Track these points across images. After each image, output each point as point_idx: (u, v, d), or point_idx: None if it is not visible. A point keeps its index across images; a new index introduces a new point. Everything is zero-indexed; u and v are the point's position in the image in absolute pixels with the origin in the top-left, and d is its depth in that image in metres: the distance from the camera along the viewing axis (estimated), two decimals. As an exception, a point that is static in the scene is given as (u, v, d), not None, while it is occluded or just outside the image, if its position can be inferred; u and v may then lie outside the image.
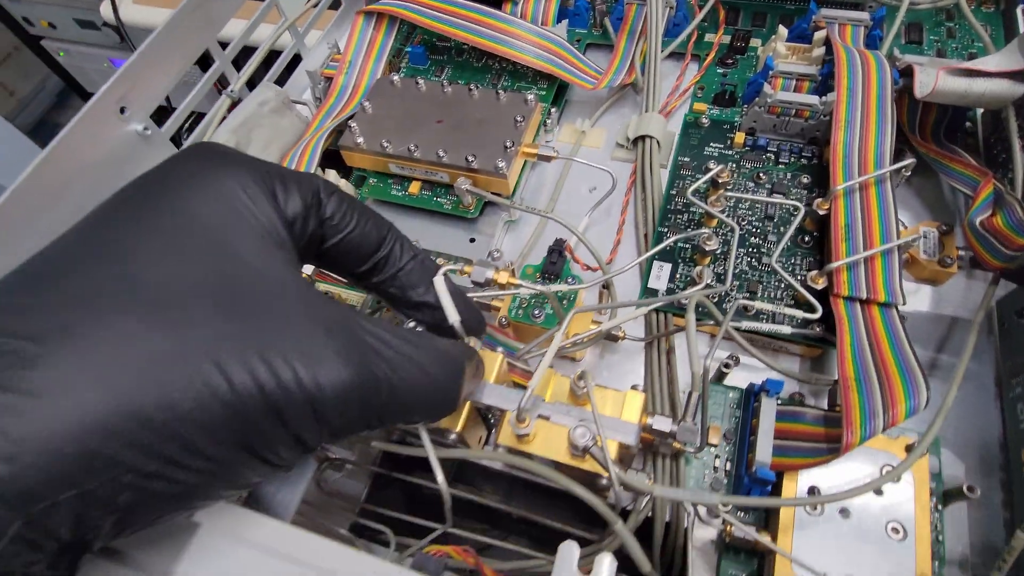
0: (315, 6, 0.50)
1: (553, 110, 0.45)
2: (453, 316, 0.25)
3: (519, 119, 0.39)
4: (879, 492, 0.28)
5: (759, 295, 0.35)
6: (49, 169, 0.33)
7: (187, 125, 0.46)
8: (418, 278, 0.25)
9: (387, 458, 0.35)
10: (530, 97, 0.40)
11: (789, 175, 0.39)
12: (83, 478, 0.14)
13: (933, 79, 0.35)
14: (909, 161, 0.34)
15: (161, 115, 0.39)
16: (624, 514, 0.30)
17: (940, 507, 0.29)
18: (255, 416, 0.16)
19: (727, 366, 0.34)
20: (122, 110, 0.36)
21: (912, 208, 0.40)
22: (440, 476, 0.24)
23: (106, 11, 0.98)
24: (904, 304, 0.32)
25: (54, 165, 0.33)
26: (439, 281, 0.26)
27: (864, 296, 0.32)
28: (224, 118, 0.42)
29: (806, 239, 0.37)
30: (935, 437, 0.28)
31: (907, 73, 0.39)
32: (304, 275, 0.38)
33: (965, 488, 0.28)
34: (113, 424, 0.14)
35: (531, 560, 0.31)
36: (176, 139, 0.41)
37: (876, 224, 0.34)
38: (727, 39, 0.48)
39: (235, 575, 0.20)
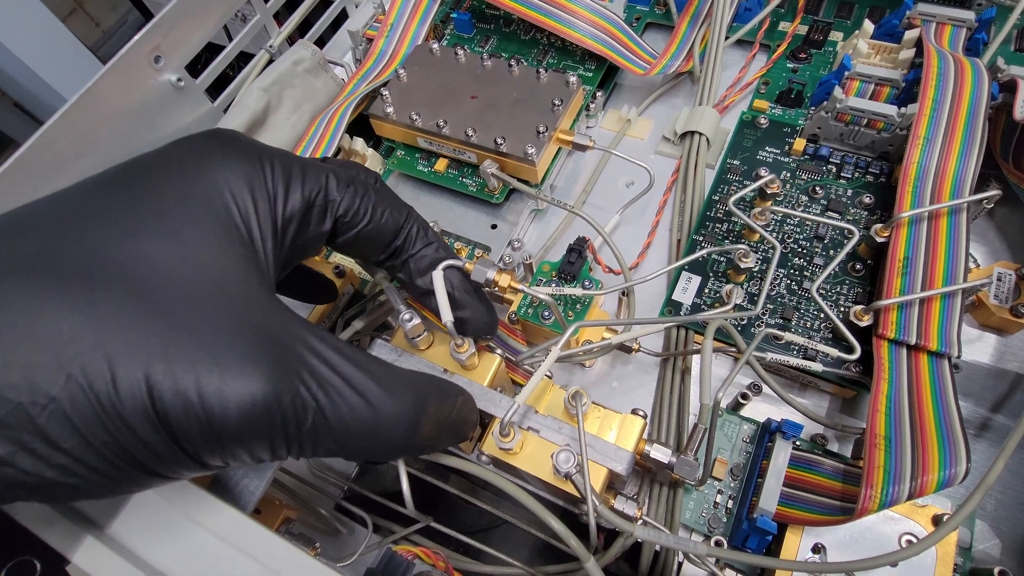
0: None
1: (599, 94, 0.42)
2: (446, 316, 0.24)
3: (557, 103, 0.37)
4: (893, 564, 0.25)
5: (793, 324, 0.32)
6: (79, 115, 0.33)
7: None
8: (427, 266, 0.25)
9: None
10: (572, 79, 0.37)
11: (849, 192, 0.35)
12: None
13: (1038, 99, 0.30)
14: (993, 192, 0.30)
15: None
16: (614, 535, 0.29)
17: (964, 586, 0.26)
18: (138, 425, 0.14)
19: (745, 396, 0.32)
20: (156, 59, 0.36)
21: (990, 243, 0.36)
22: (404, 479, 0.23)
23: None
24: (960, 356, 0.28)
25: (84, 112, 0.33)
26: (437, 276, 0.24)
27: (913, 341, 0.28)
28: (260, 74, 0.42)
29: (857, 267, 0.33)
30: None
31: (1009, 88, 0.34)
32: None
33: (997, 572, 0.25)
34: None
35: (508, 568, 0.31)
36: (213, 90, 0.41)
37: (941, 261, 0.30)
38: (804, 30, 0.43)
39: (189, 558, 0.20)
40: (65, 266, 0.15)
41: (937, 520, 0.26)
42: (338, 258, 0.37)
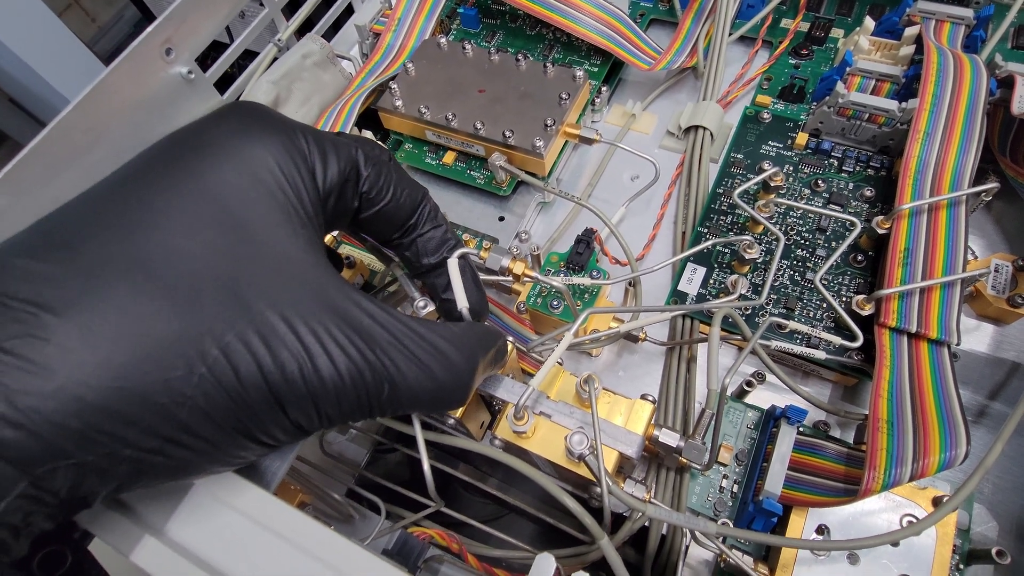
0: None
1: (604, 88, 0.43)
2: (462, 302, 0.24)
3: (564, 96, 0.37)
4: (895, 543, 0.26)
5: (797, 313, 0.33)
6: (91, 107, 0.33)
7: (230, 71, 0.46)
8: (434, 247, 0.25)
9: (389, 428, 0.35)
10: (579, 74, 0.38)
11: (851, 186, 0.36)
12: (84, 450, 0.15)
13: (1035, 94, 0.31)
14: (991, 185, 0.31)
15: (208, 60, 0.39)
16: (620, 520, 0.29)
17: (962, 566, 0.27)
18: (257, 405, 0.17)
19: (750, 384, 0.32)
20: (168, 51, 0.36)
21: (988, 236, 0.36)
22: (425, 461, 0.23)
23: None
24: (959, 344, 0.29)
25: (96, 104, 0.34)
26: (452, 263, 0.25)
27: (914, 329, 0.29)
28: (270, 67, 0.42)
29: (859, 258, 0.34)
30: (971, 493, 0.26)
31: (1007, 84, 0.34)
32: (329, 238, 0.37)
33: (994, 552, 0.26)
34: (115, 404, 0.15)
35: (517, 551, 0.31)
36: (220, 85, 0.41)
37: (941, 252, 0.30)
38: (805, 26, 0.44)
39: (218, 537, 0.20)
40: (156, 267, 0.16)
41: (937, 502, 0.27)
42: (348, 249, 0.38)
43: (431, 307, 0.26)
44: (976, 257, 0.35)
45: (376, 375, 0.18)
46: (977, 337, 0.34)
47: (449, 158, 0.40)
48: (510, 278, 0.27)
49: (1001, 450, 0.26)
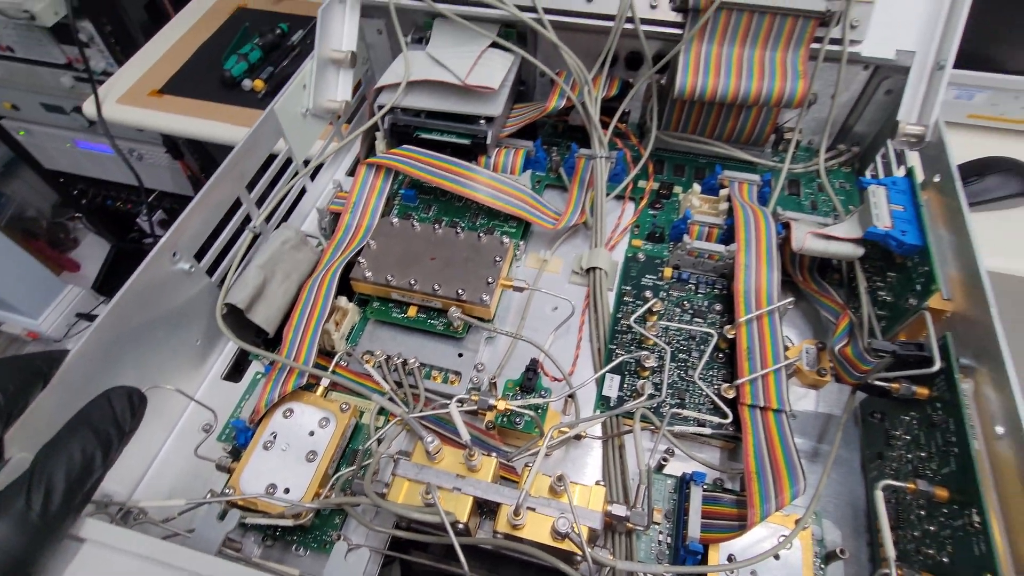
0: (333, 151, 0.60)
1: (522, 243, 0.56)
2: (465, 436, 0.34)
3: (497, 259, 0.49)
4: (777, 557, 0.38)
5: (687, 402, 0.45)
6: (125, 300, 0.40)
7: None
8: None
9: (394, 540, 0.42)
10: (505, 240, 0.51)
11: (707, 303, 0.51)
12: None
13: (803, 239, 0.48)
14: (788, 300, 0.47)
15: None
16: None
17: (823, 566, 0.39)
18: None
19: (665, 459, 0.44)
20: (174, 255, 0.44)
21: (798, 327, 0.53)
22: (464, 565, 0.32)
23: (89, 108, 1.04)
24: (791, 410, 0.43)
25: (127, 302, 0.41)
26: (454, 408, 0.34)
27: (762, 404, 0.43)
28: (247, 249, 0.50)
29: (720, 356, 0.48)
30: (815, 511, 0.39)
31: (788, 226, 0.52)
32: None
33: (839, 551, 0.39)
34: None
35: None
36: (211, 271, 0.49)
37: (769, 347, 0.45)
38: (656, 186, 0.61)
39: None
40: None
41: (797, 522, 0.39)
42: (338, 398, 0.45)
43: (438, 441, 0.35)
44: (793, 344, 0.50)
45: None
46: (807, 401, 0.49)
47: (412, 311, 0.50)
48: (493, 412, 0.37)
49: (830, 477, 0.39)
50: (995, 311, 0.37)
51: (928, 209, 0.44)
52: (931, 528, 0.36)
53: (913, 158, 0.51)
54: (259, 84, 0.96)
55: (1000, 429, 0.34)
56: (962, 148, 0.71)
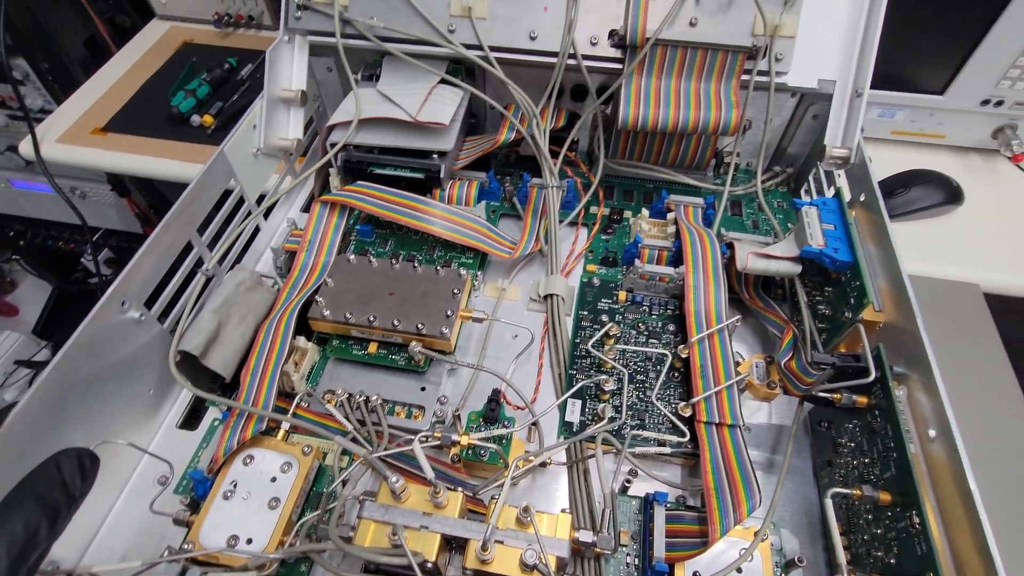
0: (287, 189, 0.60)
1: (479, 273, 0.57)
2: (429, 474, 0.34)
3: (456, 291, 0.50)
4: (739, 570, 0.39)
5: (647, 423, 0.47)
6: (71, 354, 0.39)
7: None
8: None
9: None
10: (463, 272, 0.51)
11: (661, 324, 0.53)
12: None
13: (745, 259, 0.50)
14: (735, 318, 0.49)
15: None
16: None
17: (784, 575, 0.40)
18: None
19: (629, 481, 0.45)
20: (123, 304, 0.43)
21: (748, 343, 0.55)
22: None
23: (26, 148, 1.00)
24: (744, 425, 0.44)
25: (74, 352, 0.39)
26: (417, 447, 0.35)
27: (717, 421, 0.44)
28: (200, 293, 0.50)
29: (676, 375, 0.49)
30: (772, 522, 0.40)
31: (731, 247, 0.54)
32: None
33: (796, 559, 0.40)
34: None
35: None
36: (162, 317, 0.48)
37: (721, 364, 0.47)
38: (607, 211, 0.63)
39: None
40: None
41: (756, 534, 0.40)
42: (300, 441, 0.45)
43: (402, 480, 0.35)
44: (743, 359, 0.53)
45: None
46: (761, 413, 0.51)
47: (373, 348, 0.50)
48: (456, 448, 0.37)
49: (781, 489, 0.41)
50: (921, 320, 0.40)
51: (856, 226, 0.47)
52: (878, 531, 0.38)
53: (842, 178, 0.55)
54: (208, 119, 0.95)
55: (932, 432, 0.37)
56: (888, 163, 0.76)
